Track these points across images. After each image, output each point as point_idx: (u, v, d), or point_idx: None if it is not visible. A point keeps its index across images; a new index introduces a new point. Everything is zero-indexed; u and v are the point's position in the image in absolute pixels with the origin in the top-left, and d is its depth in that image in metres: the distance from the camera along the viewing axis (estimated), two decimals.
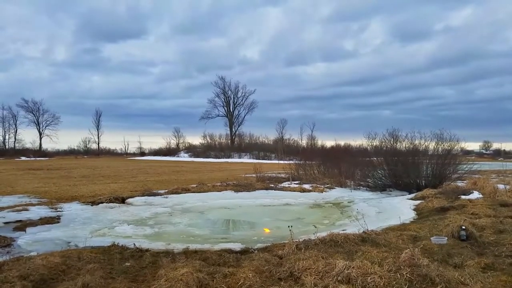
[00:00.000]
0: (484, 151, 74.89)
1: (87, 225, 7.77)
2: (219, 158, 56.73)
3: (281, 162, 31.14)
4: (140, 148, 72.45)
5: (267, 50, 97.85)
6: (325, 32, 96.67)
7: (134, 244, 5.66)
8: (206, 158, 56.67)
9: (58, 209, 9.38)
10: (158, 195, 12.30)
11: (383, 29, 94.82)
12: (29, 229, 7.22)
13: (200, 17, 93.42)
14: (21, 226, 7.48)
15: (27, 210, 9.06)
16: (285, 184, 16.37)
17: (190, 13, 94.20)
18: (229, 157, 57.73)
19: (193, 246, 5.63)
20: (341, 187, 15.94)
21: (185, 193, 12.91)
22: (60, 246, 5.81)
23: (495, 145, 76.19)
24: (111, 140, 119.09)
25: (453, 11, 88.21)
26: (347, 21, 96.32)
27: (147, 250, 5.44)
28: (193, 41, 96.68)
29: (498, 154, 68.55)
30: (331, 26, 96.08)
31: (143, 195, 11.96)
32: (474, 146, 73.05)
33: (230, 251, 5.39)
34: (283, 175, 19.59)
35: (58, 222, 8.08)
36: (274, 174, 20.68)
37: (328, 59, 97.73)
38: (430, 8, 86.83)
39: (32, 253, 5.22)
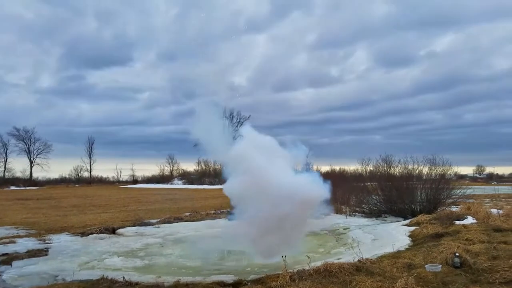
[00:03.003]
0: (477, 175, 75.46)
1: (75, 258, 7.58)
2: (213, 184, 56.23)
3: None
4: (133, 175, 71.37)
5: (255, 77, 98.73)
6: (311, 59, 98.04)
7: (123, 277, 5.51)
8: (201, 185, 56.18)
9: (47, 241, 9.16)
10: (149, 225, 12.09)
11: (368, 56, 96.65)
12: (15, 263, 7.02)
13: (185, 44, 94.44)
14: (7, 259, 7.27)
15: (14, 242, 8.84)
16: None
17: (175, 41, 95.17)
18: (224, 183, 57.27)
19: (184, 279, 5.49)
20: (337, 213, 15.83)
21: (177, 222, 12.73)
22: (46, 280, 5.65)
23: (488, 169, 77.04)
24: (104, 168, 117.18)
25: (435, 37, 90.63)
26: (332, 48, 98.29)
27: (136, 284, 5.30)
28: (179, 68, 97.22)
29: (491, 178, 69.19)
30: (317, 53, 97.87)
31: (134, 225, 11.76)
32: (468, 170, 73.76)
33: (222, 284, 5.28)
34: None
35: (46, 254, 7.88)
36: None
37: (315, 85, 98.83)
38: (413, 34, 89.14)
39: None
